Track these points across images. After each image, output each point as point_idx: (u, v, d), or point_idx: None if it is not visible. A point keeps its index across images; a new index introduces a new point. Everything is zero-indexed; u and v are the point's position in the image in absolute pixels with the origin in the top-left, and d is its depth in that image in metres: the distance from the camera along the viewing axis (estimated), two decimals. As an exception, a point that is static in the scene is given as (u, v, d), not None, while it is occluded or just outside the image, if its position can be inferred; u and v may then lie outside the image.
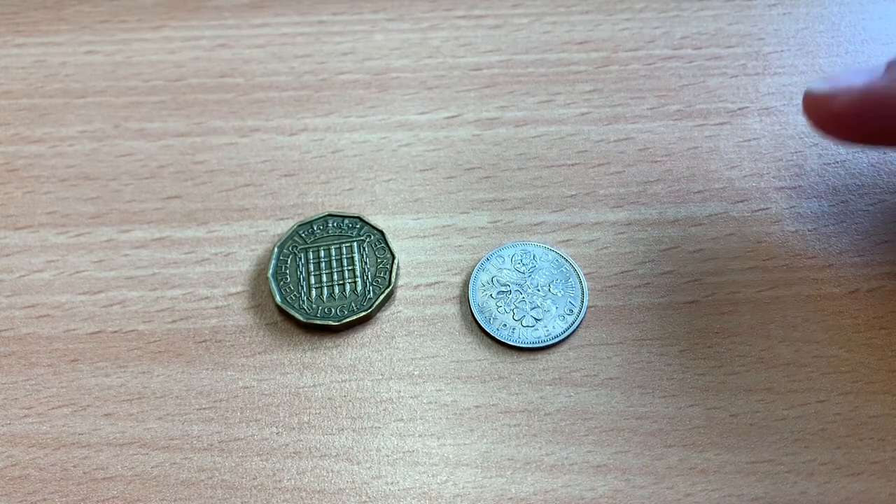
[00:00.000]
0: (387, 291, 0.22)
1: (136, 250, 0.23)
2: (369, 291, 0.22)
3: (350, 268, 0.22)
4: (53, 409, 0.21)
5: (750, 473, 0.20)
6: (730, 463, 0.20)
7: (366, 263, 0.22)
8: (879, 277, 0.22)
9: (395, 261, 0.22)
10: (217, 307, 0.22)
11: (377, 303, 0.22)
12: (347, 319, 0.21)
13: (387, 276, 0.22)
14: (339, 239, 0.23)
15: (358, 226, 0.23)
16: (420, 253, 0.23)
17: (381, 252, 0.23)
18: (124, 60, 0.27)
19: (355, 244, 0.23)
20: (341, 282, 0.22)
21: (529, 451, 0.20)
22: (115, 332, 0.22)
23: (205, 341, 0.22)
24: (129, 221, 0.24)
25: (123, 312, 0.22)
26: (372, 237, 0.23)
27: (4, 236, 0.24)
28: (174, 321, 0.22)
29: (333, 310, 0.22)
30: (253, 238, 0.23)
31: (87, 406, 0.21)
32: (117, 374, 0.21)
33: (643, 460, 0.20)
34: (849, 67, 0.21)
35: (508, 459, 0.20)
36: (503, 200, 0.24)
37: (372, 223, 0.23)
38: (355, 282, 0.22)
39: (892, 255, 0.23)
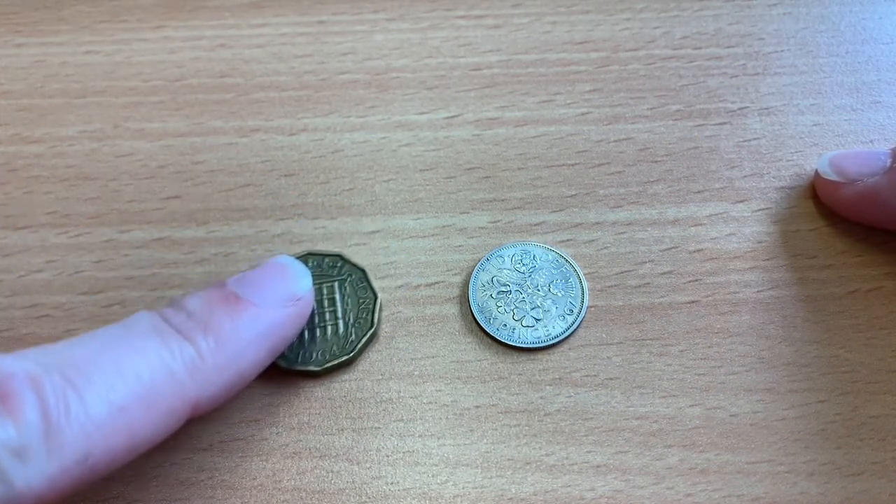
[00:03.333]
0: (369, 333, 0.21)
1: (136, 250, 0.23)
2: (351, 334, 0.21)
3: (331, 309, 0.21)
4: (53, 409, 0.21)
5: (750, 473, 0.20)
6: (730, 463, 0.20)
7: (347, 304, 0.21)
8: (879, 277, 0.22)
9: (378, 301, 0.21)
10: (217, 307, 0.22)
11: (359, 346, 0.21)
12: (328, 364, 0.21)
13: (369, 318, 0.21)
14: (318, 279, 0.22)
15: (339, 264, 0.22)
16: (420, 253, 0.23)
17: (363, 291, 0.22)
18: (124, 60, 0.27)
19: (336, 284, 0.22)
20: (322, 324, 0.21)
21: (529, 451, 0.20)
22: (115, 332, 0.22)
23: (205, 341, 0.22)
24: (129, 221, 0.24)
25: (123, 312, 0.22)
26: (353, 276, 0.22)
27: (4, 236, 0.24)
28: (174, 321, 0.22)
29: (315, 354, 0.21)
30: (253, 238, 0.23)
31: (87, 406, 0.21)
32: (117, 374, 0.21)
33: (643, 460, 0.20)
34: (858, 152, 0.23)
35: (508, 459, 0.20)
36: (503, 200, 0.24)
37: (353, 261, 0.22)
38: (336, 324, 0.21)
39: (892, 255, 0.23)
